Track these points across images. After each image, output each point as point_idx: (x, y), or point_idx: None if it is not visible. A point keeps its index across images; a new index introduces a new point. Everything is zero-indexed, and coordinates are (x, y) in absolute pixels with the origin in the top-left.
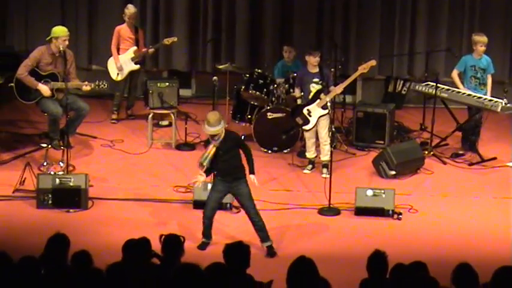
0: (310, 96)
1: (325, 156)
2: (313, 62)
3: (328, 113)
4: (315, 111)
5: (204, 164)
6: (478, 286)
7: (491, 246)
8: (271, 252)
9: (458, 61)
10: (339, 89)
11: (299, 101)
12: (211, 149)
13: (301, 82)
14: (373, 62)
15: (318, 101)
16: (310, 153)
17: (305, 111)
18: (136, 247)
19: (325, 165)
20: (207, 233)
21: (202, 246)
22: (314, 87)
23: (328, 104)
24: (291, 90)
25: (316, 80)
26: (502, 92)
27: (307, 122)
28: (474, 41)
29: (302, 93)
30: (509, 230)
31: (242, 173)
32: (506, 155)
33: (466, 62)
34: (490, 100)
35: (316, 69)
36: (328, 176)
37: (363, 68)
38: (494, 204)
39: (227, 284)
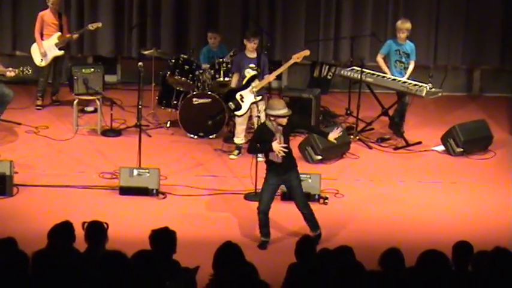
0: (244, 82)
1: None
2: (249, 47)
3: (262, 99)
4: (247, 96)
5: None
6: (404, 269)
7: (417, 230)
8: (317, 240)
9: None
10: (272, 76)
11: (233, 86)
12: (280, 140)
13: (238, 66)
14: (306, 52)
15: (251, 87)
16: (239, 139)
17: (238, 96)
18: (61, 232)
19: None
20: (265, 231)
21: (262, 246)
22: (249, 73)
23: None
24: (217, 75)
25: (252, 65)
26: (427, 76)
27: (239, 107)
28: (397, 27)
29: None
30: (435, 214)
31: (294, 163)
32: (431, 140)
33: (390, 46)
34: (415, 85)
35: (254, 55)
36: (263, 159)
37: (297, 58)
38: (419, 188)
39: (153, 270)
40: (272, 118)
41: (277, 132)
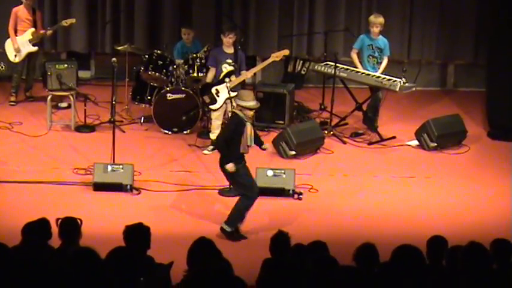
0: (220, 77)
1: None
2: (225, 42)
3: (237, 95)
4: (223, 91)
5: (252, 144)
6: (379, 264)
7: (391, 225)
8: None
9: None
10: (249, 73)
11: (209, 81)
12: (250, 128)
13: (215, 61)
14: (286, 51)
15: (227, 82)
16: (214, 135)
17: (213, 90)
18: (36, 229)
19: None
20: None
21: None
22: (226, 68)
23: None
24: (190, 71)
25: (229, 60)
26: (400, 71)
27: (214, 101)
28: (370, 22)
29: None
30: (409, 208)
31: None
32: (405, 134)
33: (363, 41)
34: (389, 79)
35: (231, 50)
36: None
37: (276, 56)
38: (393, 183)
39: (127, 266)
40: (239, 108)
41: (248, 121)
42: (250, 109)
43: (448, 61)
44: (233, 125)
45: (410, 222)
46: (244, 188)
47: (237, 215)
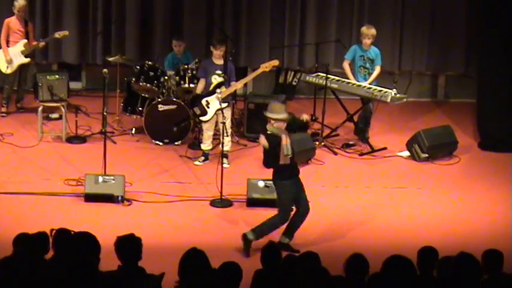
0: (211, 88)
1: (226, 147)
2: (216, 54)
3: (228, 106)
4: (213, 103)
5: (290, 153)
6: (369, 275)
7: (382, 236)
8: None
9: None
10: (239, 84)
11: (198, 92)
12: (286, 139)
13: (205, 72)
14: (275, 62)
15: (217, 93)
16: (205, 146)
17: (204, 102)
18: (30, 241)
19: (226, 155)
20: None
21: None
22: (216, 79)
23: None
24: (182, 82)
25: (218, 72)
26: (391, 82)
27: (204, 112)
28: (362, 33)
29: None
30: (400, 219)
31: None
32: (396, 145)
33: (355, 52)
34: (380, 90)
35: (221, 62)
36: (229, 165)
37: (265, 67)
38: (384, 194)
39: (119, 277)
40: (273, 121)
41: (281, 133)
42: (284, 121)
43: (439, 72)
44: (272, 145)
45: (401, 233)
46: (280, 207)
47: (265, 229)
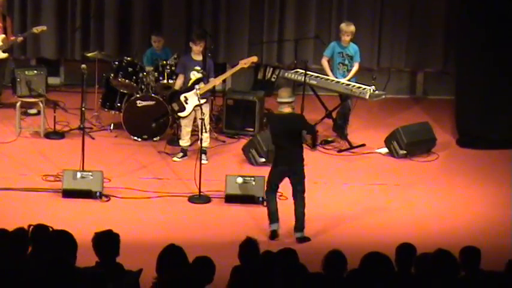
0: (189, 84)
1: (204, 143)
2: (195, 50)
3: (206, 102)
4: (192, 99)
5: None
6: (347, 271)
7: (360, 232)
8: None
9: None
10: (217, 80)
11: (177, 88)
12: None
13: (184, 68)
14: (254, 58)
15: (196, 89)
16: (184, 142)
17: (182, 97)
18: (8, 237)
19: (204, 152)
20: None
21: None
22: (194, 75)
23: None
24: (160, 78)
25: (197, 68)
26: (370, 79)
27: (183, 108)
28: (341, 30)
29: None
30: (378, 216)
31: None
32: (375, 142)
33: (334, 48)
34: (359, 87)
35: (200, 58)
36: (207, 161)
37: (244, 63)
38: (363, 191)
39: (97, 273)
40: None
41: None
42: (288, 104)
43: (418, 69)
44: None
45: (379, 229)
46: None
47: (304, 218)
